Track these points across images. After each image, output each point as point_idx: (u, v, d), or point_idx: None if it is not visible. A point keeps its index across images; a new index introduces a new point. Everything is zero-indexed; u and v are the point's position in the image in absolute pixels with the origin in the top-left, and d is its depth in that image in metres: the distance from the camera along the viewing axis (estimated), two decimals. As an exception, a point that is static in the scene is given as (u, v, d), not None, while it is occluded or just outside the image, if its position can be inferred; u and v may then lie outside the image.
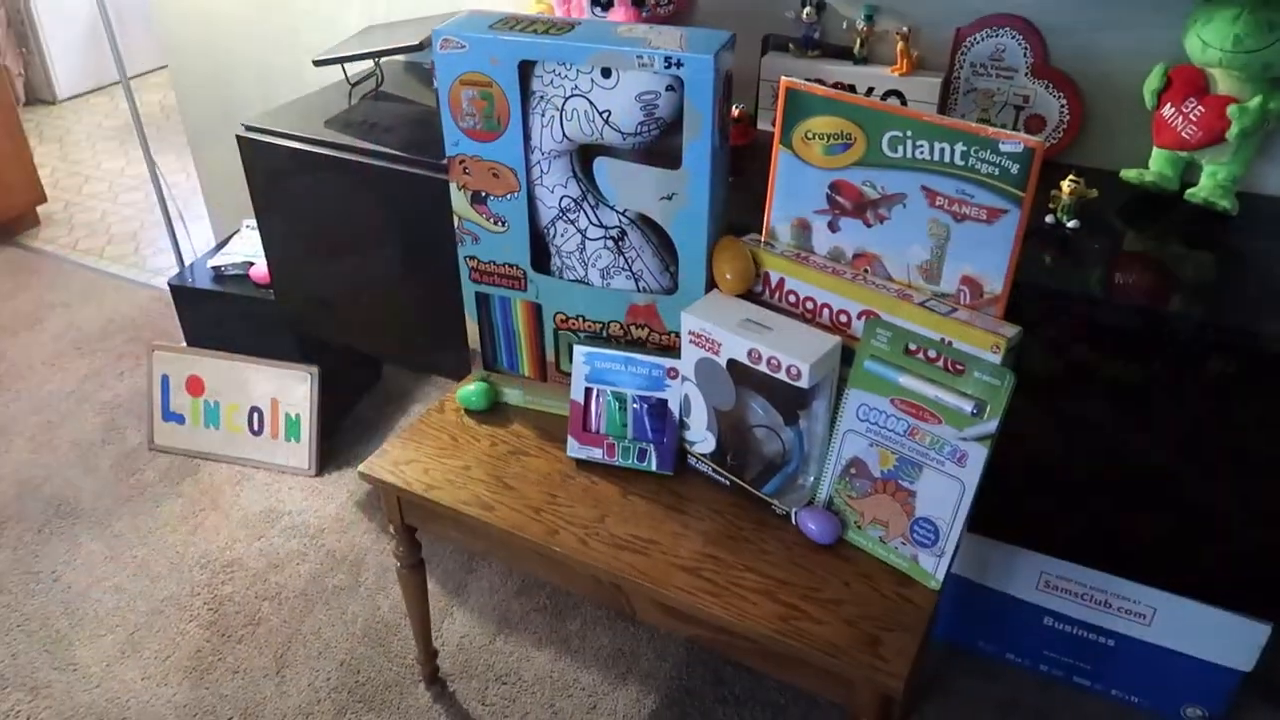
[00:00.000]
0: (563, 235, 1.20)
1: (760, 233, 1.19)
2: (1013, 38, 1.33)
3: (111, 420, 2.10)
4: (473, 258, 1.25)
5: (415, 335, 1.63)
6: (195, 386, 1.95)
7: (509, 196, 1.19)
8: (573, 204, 1.18)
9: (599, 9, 1.48)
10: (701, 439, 1.20)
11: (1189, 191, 1.26)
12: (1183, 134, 1.23)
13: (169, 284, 1.93)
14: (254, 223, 2.06)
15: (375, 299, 1.62)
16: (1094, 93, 1.34)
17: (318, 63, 1.65)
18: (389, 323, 1.64)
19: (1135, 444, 1.20)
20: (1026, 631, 1.47)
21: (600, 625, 1.59)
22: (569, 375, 1.31)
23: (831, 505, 1.14)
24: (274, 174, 1.58)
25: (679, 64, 1.03)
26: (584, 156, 1.17)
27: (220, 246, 2.02)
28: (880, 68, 1.42)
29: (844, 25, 1.42)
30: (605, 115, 1.09)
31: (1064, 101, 1.34)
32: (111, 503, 1.87)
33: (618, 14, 1.47)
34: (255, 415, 1.93)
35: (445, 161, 1.19)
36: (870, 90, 1.43)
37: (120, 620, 1.62)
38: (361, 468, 1.25)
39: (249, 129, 1.56)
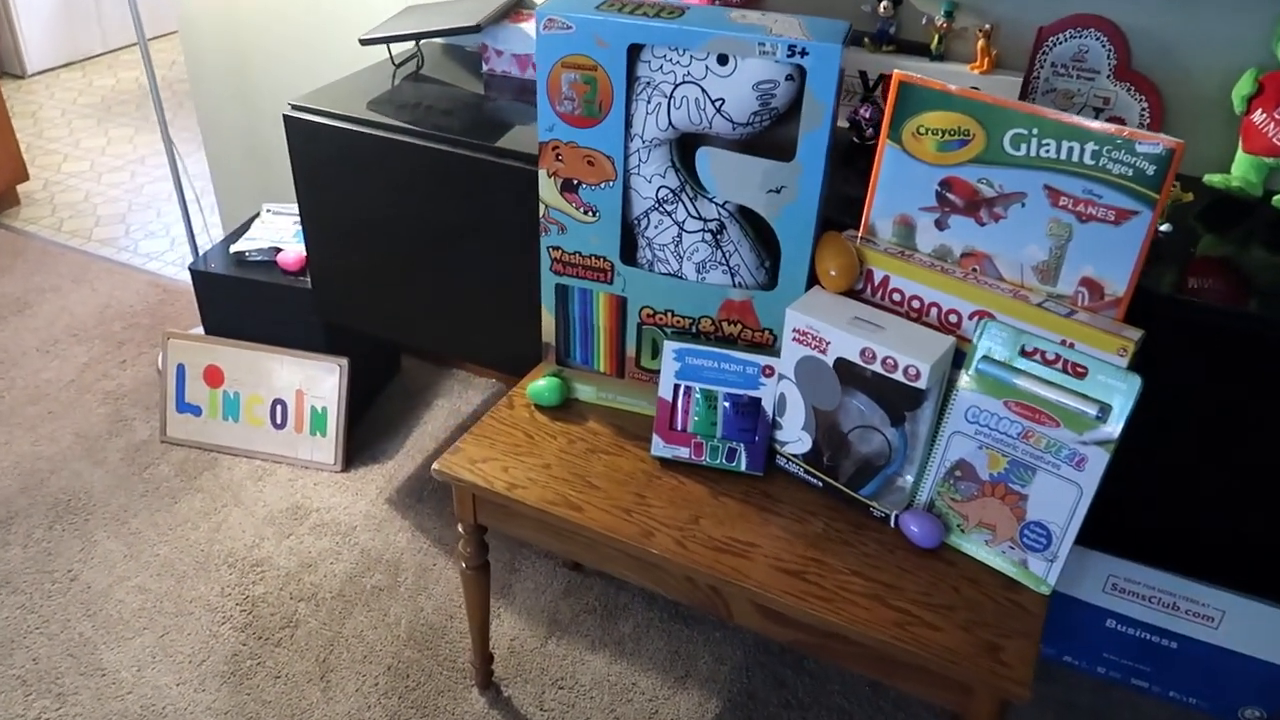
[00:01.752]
0: (656, 227, 1.16)
1: (855, 229, 1.16)
2: (1097, 39, 1.33)
3: (117, 411, 2.00)
4: (557, 248, 1.21)
5: (468, 327, 1.57)
6: (214, 377, 1.87)
7: (604, 185, 1.14)
8: (670, 195, 1.14)
9: (672, -4, 1.44)
10: (796, 439, 1.17)
11: (1276, 198, 1.27)
12: (1274, 140, 1.23)
13: (190, 270, 1.83)
14: (276, 207, 1.99)
15: (427, 289, 1.56)
16: (1176, 96, 1.34)
17: (364, 41, 1.59)
18: (441, 314, 1.58)
19: (1223, 449, 1.20)
20: (1088, 634, 1.47)
21: (654, 627, 1.55)
22: (648, 371, 1.27)
23: (932, 508, 1.12)
24: (322, 156, 1.51)
25: (804, 53, 1.00)
26: (682, 146, 1.13)
27: (241, 231, 1.94)
28: (957, 65, 1.40)
29: (922, 21, 1.40)
30: (718, 104, 1.06)
31: (1145, 104, 1.34)
32: (125, 498, 1.78)
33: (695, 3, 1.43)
34: (279, 408, 1.85)
35: (536, 148, 1.14)
36: (945, 87, 1.41)
37: (148, 622, 1.54)
38: (437, 465, 1.19)
39: (296, 108, 1.49)
